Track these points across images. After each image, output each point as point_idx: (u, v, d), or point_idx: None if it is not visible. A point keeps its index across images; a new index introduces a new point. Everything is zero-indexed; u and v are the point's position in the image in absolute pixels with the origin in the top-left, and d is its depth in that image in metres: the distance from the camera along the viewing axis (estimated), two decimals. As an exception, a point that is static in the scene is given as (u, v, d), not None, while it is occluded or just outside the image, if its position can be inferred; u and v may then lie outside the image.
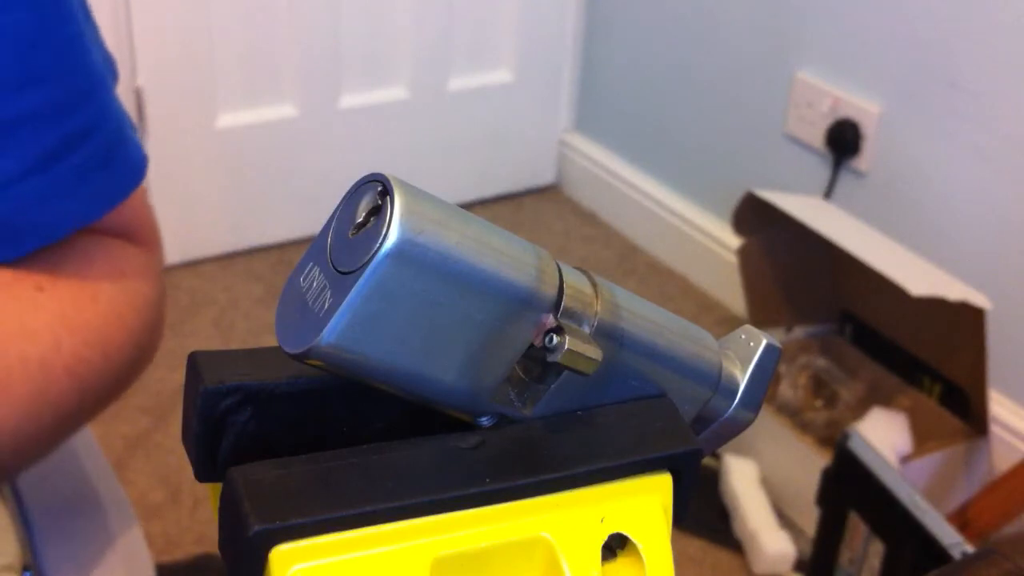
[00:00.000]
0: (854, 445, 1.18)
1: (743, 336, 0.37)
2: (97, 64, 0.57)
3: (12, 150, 0.52)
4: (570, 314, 0.30)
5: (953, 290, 1.38)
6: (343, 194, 0.29)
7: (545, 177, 2.34)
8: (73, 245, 0.58)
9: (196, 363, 0.30)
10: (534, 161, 2.32)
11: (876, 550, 1.17)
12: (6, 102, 0.52)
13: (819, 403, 1.57)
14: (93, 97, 0.56)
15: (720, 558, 1.45)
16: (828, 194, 1.72)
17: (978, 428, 1.47)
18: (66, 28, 0.54)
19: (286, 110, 1.98)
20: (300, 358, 0.28)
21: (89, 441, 0.74)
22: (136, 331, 0.60)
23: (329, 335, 0.27)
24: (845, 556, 1.24)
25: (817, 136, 1.73)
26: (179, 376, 0.33)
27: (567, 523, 0.30)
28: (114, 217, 0.60)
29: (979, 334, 1.40)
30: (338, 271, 0.27)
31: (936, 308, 1.40)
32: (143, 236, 0.64)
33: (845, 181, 1.71)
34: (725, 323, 1.90)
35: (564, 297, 0.30)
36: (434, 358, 0.29)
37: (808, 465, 1.41)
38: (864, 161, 1.67)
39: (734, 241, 1.71)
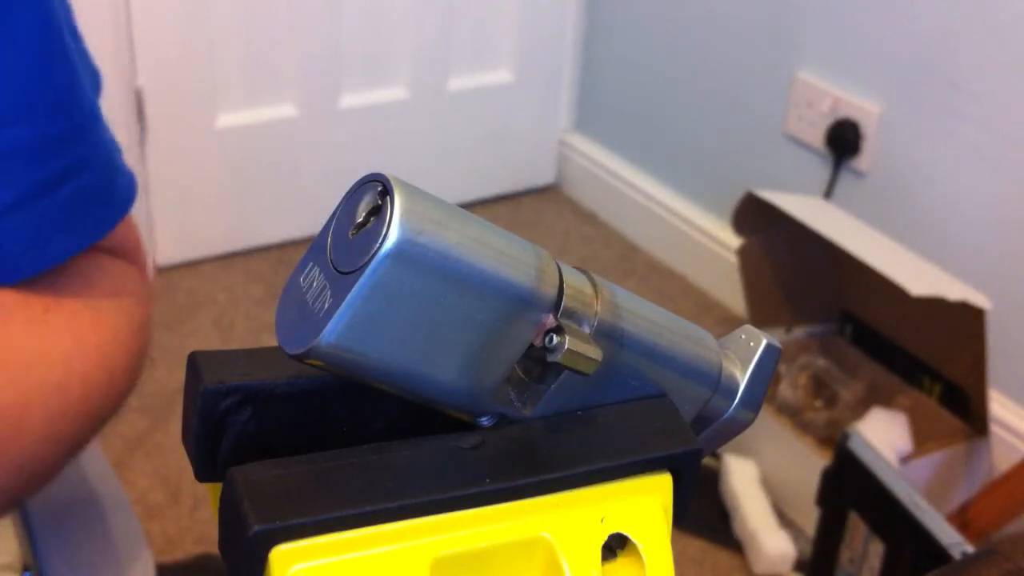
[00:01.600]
0: (854, 445, 1.18)
1: (743, 336, 0.37)
2: (90, 98, 0.58)
3: (5, 181, 0.53)
4: (570, 314, 0.30)
5: (953, 290, 1.38)
6: (343, 194, 0.29)
7: (545, 177, 2.34)
8: (72, 267, 0.58)
9: (196, 363, 0.30)
10: (534, 161, 2.32)
11: (876, 550, 1.17)
12: (1, 135, 0.52)
13: (819, 403, 1.57)
14: (87, 132, 0.57)
15: (720, 558, 1.45)
16: (828, 194, 1.72)
17: (978, 428, 1.47)
18: (64, 66, 0.55)
19: (286, 110, 1.98)
20: (300, 358, 0.28)
21: (89, 441, 0.74)
22: (135, 353, 0.60)
23: (329, 335, 0.27)
24: (845, 556, 1.24)
25: (817, 136, 1.73)
26: (179, 376, 0.33)
27: (567, 523, 0.30)
28: (109, 237, 0.61)
29: (979, 334, 1.40)
30: (338, 271, 0.27)
31: (936, 308, 1.40)
32: (132, 254, 0.64)
33: (845, 181, 1.71)
34: (725, 323, 1.90)
35: (564, 297, 0.30)
36: (434, 358, 0.29)
37: (808, 465, 1.41)
38: (864, 161, 1.67)
39: (734, 241, 1.71)
